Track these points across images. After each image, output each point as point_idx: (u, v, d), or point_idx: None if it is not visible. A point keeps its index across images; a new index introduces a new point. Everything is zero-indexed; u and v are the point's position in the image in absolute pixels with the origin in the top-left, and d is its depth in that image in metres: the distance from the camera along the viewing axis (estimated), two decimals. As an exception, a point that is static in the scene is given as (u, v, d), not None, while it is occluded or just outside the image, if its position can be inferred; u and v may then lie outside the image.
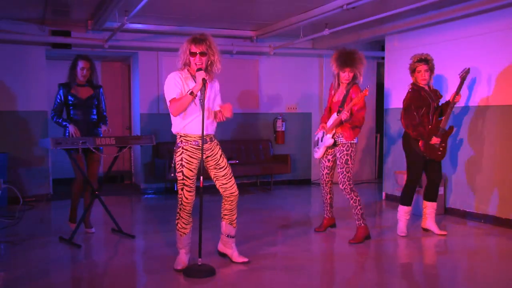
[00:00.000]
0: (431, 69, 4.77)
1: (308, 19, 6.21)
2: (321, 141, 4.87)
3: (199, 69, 3.68)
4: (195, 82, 3.73)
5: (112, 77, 8.87)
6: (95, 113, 5.09)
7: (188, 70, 3.83)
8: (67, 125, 4.88)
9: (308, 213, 6.40)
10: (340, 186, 4.78)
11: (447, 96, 5.95)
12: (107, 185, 8.11)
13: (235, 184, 3.97)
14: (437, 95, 4.85)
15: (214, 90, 3.93)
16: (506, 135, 5.31)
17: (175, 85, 3.76)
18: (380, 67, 8.80)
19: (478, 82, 5.59)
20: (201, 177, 3.79)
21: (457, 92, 4.77)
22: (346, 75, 4.68)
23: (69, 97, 4.96)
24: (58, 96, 4.98)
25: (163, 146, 7.39)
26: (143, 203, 7.08)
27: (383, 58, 7.40)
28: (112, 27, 6.44)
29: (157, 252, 4.43)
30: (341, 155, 4.73)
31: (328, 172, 4.95)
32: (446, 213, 5.96)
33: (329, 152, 4.87)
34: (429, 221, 5.01)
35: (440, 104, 4.92)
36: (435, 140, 4.76)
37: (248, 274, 3.86)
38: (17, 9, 6.15)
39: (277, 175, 8.16)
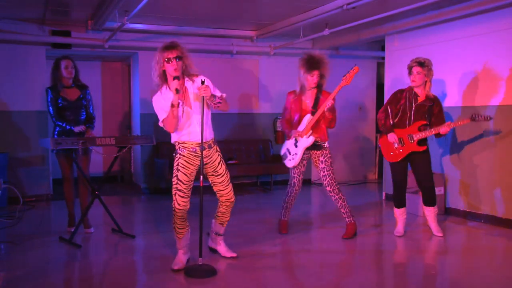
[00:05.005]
0: (426, 74, 4.63)
1: (308, 19, 6.20)
2: (296, 146, 4.82)
3: (175, 77, 3.69)
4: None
5: (112, 77, 8.86)
6: (84, 113, 5.15)
7: (166, 86, 3.80)
8: (72, 128, 4.92)
9: (308, 213, 6.40)
10: (328, 188, 4.80)
11: (445, 101, 5.94)
12: (107, 185, 8.14)
13: (232, 191, 4.03)
14: (430, 101, 4.68)
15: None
16: (506, 134, 5.30)
17: (161, 107, 3.81)
18: (380, 67, 8.80)
19: (478, 82, 5.58)
20: (201, 177, 3.80)
21: (450, 126, 4.60)
22: (314, 79, 4.72)
23: (59, 100, 4.99)
24: (50, 100, 5.00)
25: (163, 146, 7.38)
26: (143, 203, 7.08)
27: (383, 58, 7.39)
28: (112, 27, 6.44)
29: (157, 252, 4.43)
30: (325, 158, 4.80)
31: (302, 176, 4.96)
32: (446, 213, 5.96)
33: (304, 157, 4.85)
34: (429, 222, 5.02)
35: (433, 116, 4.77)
36: (391, 137, 4.75)
37: (248, 274, 3.85)
38: (17, 9, 6.15)
39: (277, 175, 8.15)
